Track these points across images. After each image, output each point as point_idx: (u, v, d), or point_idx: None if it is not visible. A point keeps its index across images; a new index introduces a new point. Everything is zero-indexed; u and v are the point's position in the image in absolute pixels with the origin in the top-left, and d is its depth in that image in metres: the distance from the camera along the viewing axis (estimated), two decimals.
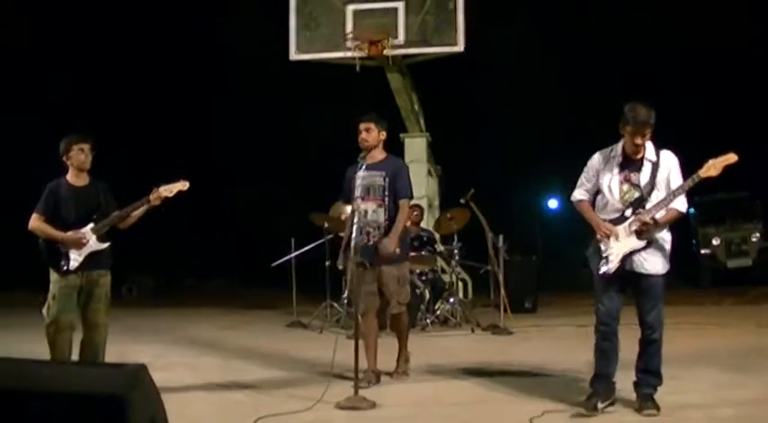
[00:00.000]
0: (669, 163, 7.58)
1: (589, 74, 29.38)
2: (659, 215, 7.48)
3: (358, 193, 9.21)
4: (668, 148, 7.68)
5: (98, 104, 27.50)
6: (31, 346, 9.10)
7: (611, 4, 27.83)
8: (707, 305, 17.71)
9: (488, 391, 8.97)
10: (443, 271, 16.41)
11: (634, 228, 7.51)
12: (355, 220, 8.94)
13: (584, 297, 18.03)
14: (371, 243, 9.26)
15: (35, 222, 8.76)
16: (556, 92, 30.09)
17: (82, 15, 26.67)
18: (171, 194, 8.81)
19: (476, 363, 10.67)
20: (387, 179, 9.35)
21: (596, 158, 7.89)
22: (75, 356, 8.72)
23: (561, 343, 12.32)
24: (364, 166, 9.31)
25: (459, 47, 15.21)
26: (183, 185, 8.88)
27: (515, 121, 31.04)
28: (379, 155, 9.52)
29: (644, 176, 7.57)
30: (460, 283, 17.24)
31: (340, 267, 9.66)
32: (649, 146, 7.59)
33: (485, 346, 12.36)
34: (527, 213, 37.24)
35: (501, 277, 14.53)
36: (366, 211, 9.27)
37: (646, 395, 7.67)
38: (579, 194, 8.04)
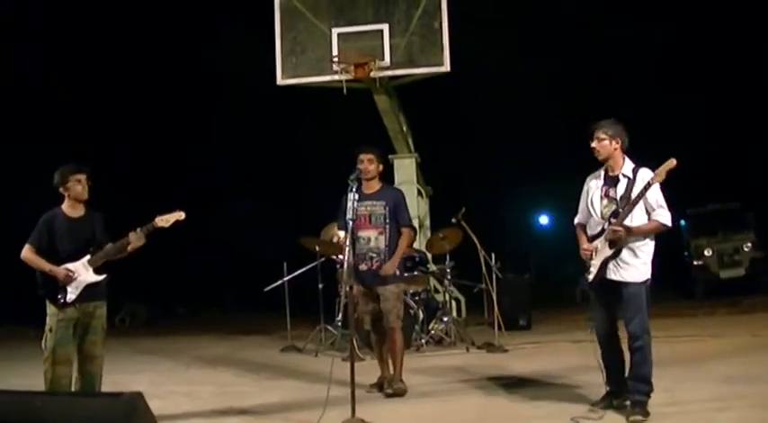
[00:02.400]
0: (645, 178, 7.92)
1: (577, 90, 29.42)
2: (635, 223, 7.93)
3: (350, 214, 9.13)
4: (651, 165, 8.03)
5: (89, 130, 27.45)
6: (25, 379, 9.06)
7: (599, 20, 27.91)
8: (700, 316, 17.71)
9: (487, 408, 8.97)
10: (436, 290, 16.40)
11: (608, 237, 7.99)
12: (347, 245, 9.02)
13: (578, 313, 18.08)
14: (374, 268, 9.87)
15: (27, 253, 8.74)
16: (544, 108, 30.19)
17: (75, 37, 26.66)
18: (167, 225, 8.82)
19: (473, 381, 10.68)
20: (387, 208, 9.94)
21: (587, 180, 8.48)
22: (72, 388, 8.71)
23: (558, 359, 12.28)
24: (361, 196, 9.66)
25: (446, 67, 15.21)
26: (179, 216, 8.89)
27: (504, 139, 31.10)
28: (375, 184, 10.10)
29: (620, 190, 8.07)
30: (454, 303, 17.20)
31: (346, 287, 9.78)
32: (628, 163, 8.15)
33: (481, 365, 12.32)
34: (518, 230, 37.29)
35: (494, 295, 14.53)
36: (368, 239, 9.92)
37: (635, 402, 7.95)
38: (576, 219, 8.61)
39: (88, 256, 8.74)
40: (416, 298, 14.31)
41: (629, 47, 28.36)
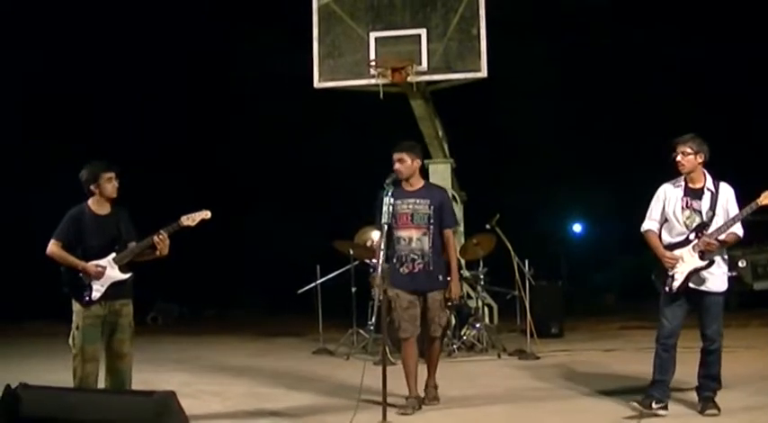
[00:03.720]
0: (727, 193, 8.58)
1: (614, 99, 29.32)
2: (722, 237, 8.36)
3: (386, 218, 9.02)
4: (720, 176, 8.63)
5: (119, 130, 27.57)
6: (57, 375, 9.10)
7: (635, 29, 27.83)
8: (734, 328, 17.52)
9: (516, 416, 8.96)
10: (469, 296, 16.35)
11: (698, 249, 8.42)
12: (381, 248, 8.96)
13: (610, 321, 18.06)
14: (416, 270, 9.39)
15: (53, 248, 8.74)
16: (580, 116, 30.08)
17: (99, 34, 26.75)
18: (194, 224, 8.83)
19: (504, 388, 10.65)
20: (432, 207, 9.42)
21: (663, 188, 8.82)
22: (100, 386, 8.75)
23: (589, 367, 12.25)
24: (401, 194, 9.35)
25: (483, 72, 15.21)
26: (205, 214, 8.88)
27: (539, 146, 30.99)
28: (417, 182, 9.61)
29: (705, 204, 8.52)
30: (486, 309, 17.18)
31: (377, 290, 9.53)
32: (708, 177, 8.61)
33: (512, 372, 12.30)
34: (552, 238, 37.16)
35: (527, 302, 14.49)
36: (410, 239, 9.39)
37: (707, 397, 8.57)
38: (647, 225, 8.88)
39: (114, 254, 8.76)
40: (449, 303, 14.28)
41: (665, 57, 28.23)
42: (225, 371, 13.19)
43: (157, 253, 8.82)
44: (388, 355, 9.52)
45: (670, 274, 8.53)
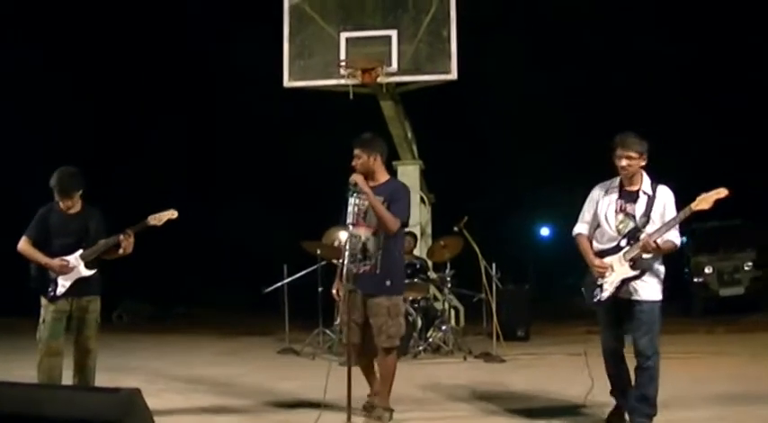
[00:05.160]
0: (665, 197, 7.81)
1: (584, 101, 29.45)
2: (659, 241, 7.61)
3: (350, 218, 8.73)
4: (664, 178, 7.92)
5: (91, 126, 27.48)
6: (27, 371, 9.08)
7: (610, 29, 27.94)
8: (700, 333, 17.70)
9: (482, 420, 8.96)
10: (436, 298, 16.39)
11: (630, 256, 7.67)
12: (347, 247, 8.66)
13: (577, 325, 18.11)
14: (361, 272, 8.61)
15: (24, 245, 8.87)
16: (549, 119, 30.19)
17: (82, 29, 26.67)
18: (160, 223, 8.93)
19: (469, 391, 10.65)
20: (386, 203, 8.61)
21: (596, 190, 8.17)
22: (64, 381, 8.76)
23: (554, 371, 12.30)
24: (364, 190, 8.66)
25: (453, 75, 15.25)
26: (171, 214, 8.97)
27: (508, 149, 31.12)
28: (380, 178, 8.88)
29: (639, 208, 7.81)
30: (453, 311, 17.22)
31: (334, 293, 9.22)
32: (646, 179, 7.89)
33: (477, 374, 12.32)
34: (520, 241, 37.26)
35: (494, 305, 14.52)
36: (359, 238, 8.68)
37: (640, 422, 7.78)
38: (578, 228, 8.27)
39: (81, 251, 8.84)
40: (416, 305, 14.31)
41: (646, 57, 28.36)
42: (190, 369, 13.17)
43: (121, 251, 8.88)
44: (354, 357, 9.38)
45: (598, 284, 7.91)
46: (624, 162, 7.75)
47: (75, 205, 8.92)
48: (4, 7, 23.16)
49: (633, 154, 7.72)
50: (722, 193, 7.48)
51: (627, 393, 8.03)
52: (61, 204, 8.85)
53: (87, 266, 8.85)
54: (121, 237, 8.77)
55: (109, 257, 9.02)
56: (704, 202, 7.51)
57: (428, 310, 14.84)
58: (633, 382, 7.95)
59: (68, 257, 8.80)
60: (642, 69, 28.86)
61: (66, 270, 8.75)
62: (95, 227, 8.97)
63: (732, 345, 15.26)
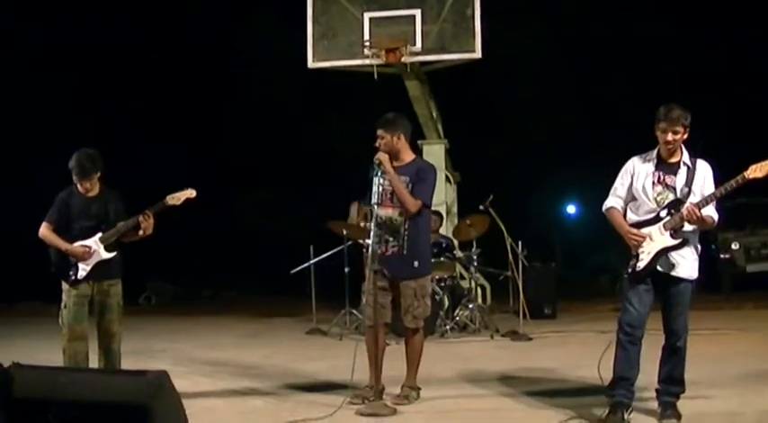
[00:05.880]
0: (705, 170, 7.63)
1: (608, 80, 29.30)
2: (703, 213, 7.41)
3: (375, 198, 8.71)
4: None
5: (115, 114, 27.52)
6: (51, 355, 9.12)
7: (633, 10, 27.78)
8: (727, 310, 17.62)
9: (510, 399, 8.94)
10: (462, 277, 16.40)
11: (671, 226, 7.46)
12: (372, 227, 8.60)
13: (603, 303, 18.09)
14: (389, 253, 8.68)
15: (45, 231, 8.89)
16: (574, 97, 30.06)
17: (96, 17, 26.70)
18: (178, 203, 8.92)
19: (496, 370, 10.64)
20: (410, 184, 8.65)
21: (630, 163, 7.91)
22: (90, 365, 8.80)
23: (581, 349, 12.23)
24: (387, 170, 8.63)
25: (477, 53, 15.19)
26: (190, 193, 8.95)
27: (534, 127, 30.94)
28: (405, 158, 8.90)
29: (680, 179, 7.58)
30: (479, 290, 17.23)
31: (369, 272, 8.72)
32: (685, 152, 7.65)
33: (505, 353, 12.33)
34: (546, 219, 37.14)
35: (520, 283, 14.52)
36: (387, 219, 8.70)
37: (667, 403, 7.66)
38: (610, 202, 7.96)
39: (100, 234, 8.85)
40: (442, 284, 14.30)
41: (664, 38, 28.18)
42: (218, 351, 13.22)
43: (141, 233, 8.90)
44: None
45: (635, 253, 7.60)
46: (670, 137, 7.49)
47: (94, 188, 8.92)
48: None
49: (679, 128, 7.49)
50: None
51: (630, 380, 7.65)
52: (80, 187, 8.86)
53: (107, 249, 8.86)
54: (141, 217, 8.77)
55: (129, 240, 9.04)
56: (759, 170, 7.30)
57: (455, 288, 14.85)
58: (661, 361, 7.77)
59: (88, 241, 8.82)
60: (667, 48, 28.67)
61: (87, 256, 8.77)
62: (115, 209, 8.98)
63: (760, 321, 15.17)
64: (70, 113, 26.02)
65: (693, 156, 7.66)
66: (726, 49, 27.75)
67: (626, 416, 7.56)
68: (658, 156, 7.72)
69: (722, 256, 23.37)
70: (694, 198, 7.46)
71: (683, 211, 7.39)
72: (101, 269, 8.84)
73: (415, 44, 15.21)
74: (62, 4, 25.52)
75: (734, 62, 27.97)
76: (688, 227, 7.51)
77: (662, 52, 28.76)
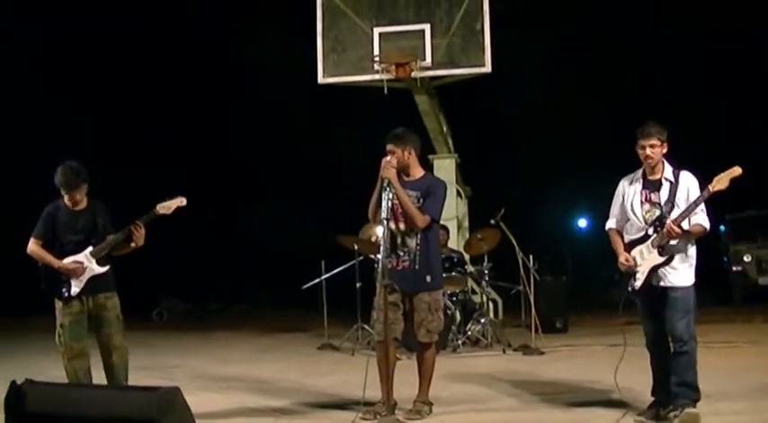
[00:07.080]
0: (687, 182, 7.96)
1: (618, 92, 29.31)
2: (685, 227, 7.76)
3: (385, 213, 8.54)
4: (691, 168, 8.05)
5: (123, 123, 27.57)
6: (58, 371, 9.11)
7: (641, 23, 27.82)
8: (738, 323, 17.58)
9: (522, 413, 8.96)
10: (474, 292, 16.38)
11: (657, 243, 7.82)
12: (381, 242, 8.60)
13: (615, 317, 17.95)
14: (400, 268, 8.68)
15: (33, 247, 8.84)
16: (585, 111, 30.07)
17: (104, 23, 26.75)
18: (169, 212, 8.84)
19: (509, 384, 10.62)
20: (421, 200, 8.69)
21: (621, 184, 8.39)
22: (95, 380, 8.78)
23: (593, 363, 12.23)
24: (402, 185, 8.68)
25: (487, 68, 15.20)
26: (180, 202, 8.86)
27: (544, 141, 30.99)
28: (416, 173, 8.93)
29: (663, 195, 7.96)
30: (491, 304, 17.18)
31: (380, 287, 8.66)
32: (667, 167, 8.06)
33: (517, 367, 12.30)
34: (557, 233, 37.12)
35: (531, 297, 14.50)
36: (399, 234, 8.72)
37: (684, 405, 7.81)
38: (609, 223, 8.48)
39: (90, 248, 8.78)
40: (454, 299, 14.30)
41: (670, 48, 28.22)
42: (230, 366, 13.21)
43: (132, 244, 8.81)
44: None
45: (631, 273, 8.05)
46: (648, 151, 7.94)
47: (81, 201, 8.85)
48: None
49: (655, 141, 7.92)
50: (736, 171, 7.60)
51: (668, 388, 7.98)
52: (68, 200, 8.80)
53: (99, 263, 8.78)
54: (132, 228, 8.67)
55: (120, 252, 8.93)
56: (720, 182, 7.61)
57: (466, 303, 14.83)
58: (671, 370, 7.95)
59: (79, 256, 8.75)
60: (673, 59, 28.71)
61: (81, 272, 8.70)
62: (103, 222, 8.91)
63: None
64: (70, 113, 26.04)
65: (677, 169, 8.01)
66: (733, 56, 27.80)
67: (662, 412, 7.95)
68: (644, 174, 8.18)
69: (734, 268, 23.39)
70: (678, 211, 7.81)
71: (665, 228, 7.73)
72: (94, 283, 8.76)
73: (424, 59, 15.21)
74: (62, 4, 25.57)
75: (739, 67, 28.04)
76: (674, 241, 7.83)
77: (671, 63, 28.80)
